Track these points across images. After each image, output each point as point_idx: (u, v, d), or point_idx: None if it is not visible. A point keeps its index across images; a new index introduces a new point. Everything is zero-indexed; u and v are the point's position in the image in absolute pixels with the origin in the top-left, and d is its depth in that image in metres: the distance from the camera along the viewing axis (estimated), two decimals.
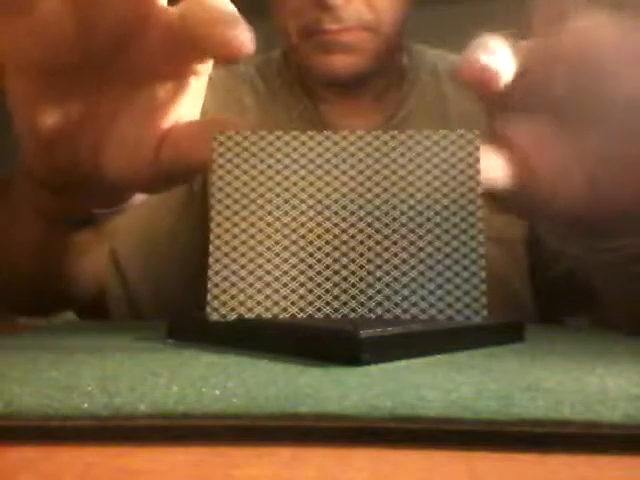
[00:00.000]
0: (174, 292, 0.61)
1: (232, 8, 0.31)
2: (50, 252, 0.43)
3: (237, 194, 0.31)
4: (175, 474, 0.18)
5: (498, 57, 0.31)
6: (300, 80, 0.66)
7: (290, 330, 0.29)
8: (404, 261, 0.29)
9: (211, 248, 0.31)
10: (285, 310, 0.29)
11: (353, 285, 0.28)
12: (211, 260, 0.30)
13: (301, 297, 0.29)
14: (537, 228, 0.41)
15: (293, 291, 0.29)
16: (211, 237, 0.31)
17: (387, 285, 0.28)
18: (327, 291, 0.29)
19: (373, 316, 0.28)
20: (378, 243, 0.29)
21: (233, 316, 0.29)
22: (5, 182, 0.43)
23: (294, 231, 0.30)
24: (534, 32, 0.36)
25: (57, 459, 0.19)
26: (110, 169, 0.35)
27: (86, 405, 0.21)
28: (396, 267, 0.29)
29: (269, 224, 0.30)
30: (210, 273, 0.30)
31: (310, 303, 0.29)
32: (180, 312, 0.36)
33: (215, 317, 0.29)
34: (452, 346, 0.30)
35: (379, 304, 0.28)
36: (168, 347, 0.31)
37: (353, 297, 0.28)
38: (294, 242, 0.29)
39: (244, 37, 0.30)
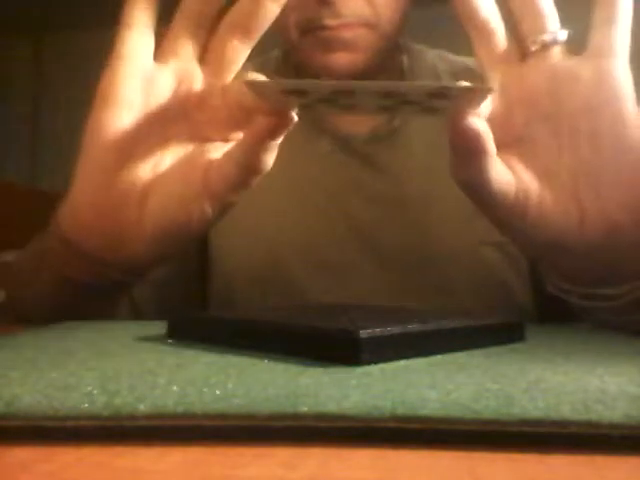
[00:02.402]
0: (174, 294, 0.61)
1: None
2: (74, 307, 0.44)
3: None
4: (175, 474, 0.18)
5: (483, 114, 0.34)
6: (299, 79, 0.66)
7: (290, 330, 0.29)
8: None
9: None
10: None
11: None
12: None
13: None
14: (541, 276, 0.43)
15: None
16: None
17: None
18: None
19: None
20: None
21: None
22: (40, 250, 0.45)
23: None
24: (490, 70, 0.38)
25: (57, 459, 0.19)
26: (154, 219, 0.38)
27: (86, 405, 0.21)
28: None
29: None
30: None
31: None
32: (180, 312, 0.37)
33: None
34: (452, 346, 0.30)
35: None
36: (168, 347, 0.31)
37: None
38: None
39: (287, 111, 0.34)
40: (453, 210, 0.61)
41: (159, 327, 0.35)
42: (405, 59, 0.67)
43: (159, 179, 0.38)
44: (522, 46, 0.38)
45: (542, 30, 0.37)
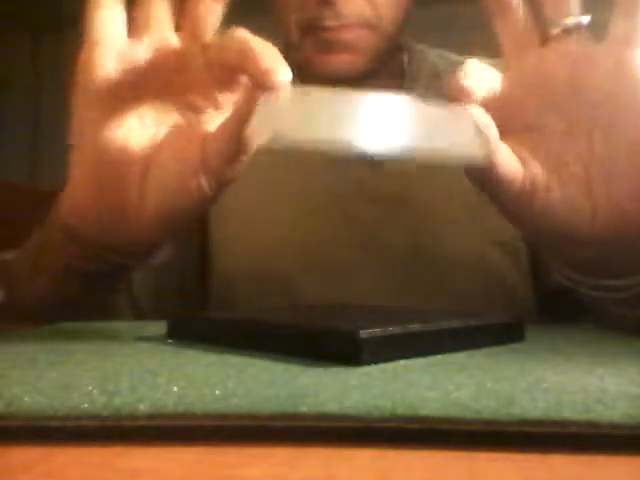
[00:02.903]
0: (173, 296, 0.61)
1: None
2: (74, 299, 0.44)
3: None
4: (175, 474, 0.18)
5: (475, 79, 0.35)
6: (300, 80, 0.66)
7: (290, 330, 0.29)
8: None
9: None
10: None
11: None
12: None
13: None
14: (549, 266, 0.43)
15: None
16: None
17: None
18: None
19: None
20: None
21: None
22: (39, 245, 0.45)
23: None
24: (507, 56, 0.38)
25: (57, 459, 0.19)
26: (155, 199, 0.37)
27: (86, 405, 0.21)
28: None
29: None
30: None
31: None
32: (180, 312, 0.36)
33: None
34: (452, 346, 0.30)
35: None
36: (168, 347, 0.31)
37: None
38: None
39: (276, 65, 0.34)
40: (455, 210, 0.61)
41: (159, 327, 0.35)
42: (406, 59, 0.67)
43: (155, 157, 0.37)
44: (544, 30, 0.38)
45: (565, 14, 0.37)
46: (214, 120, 0.38)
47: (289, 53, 0.68)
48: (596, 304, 0.41)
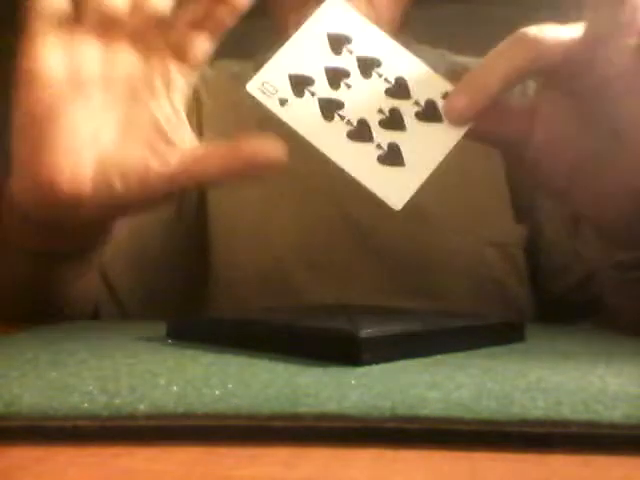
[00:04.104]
0: (164, 305, 0.61)
1: None
2: (38, 283, 0.44)
3: None
4: (175, 474, 0.18)
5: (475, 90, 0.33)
6: None
7: (290, 330, 0.29)
8: None
9: None
10: None
11: None
12: None
13: None
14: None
15: None
16: None
17: None
18: None
19: None
20: None
21: None
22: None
23: None
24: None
25: (57, 459, 0.19)
26: (104, 186, 0.36)
27: (86, 405, 0.21)
28: None
29: None
30: None
31: None
32: (180, 313, 0.36)
33: None
34: (452, 346, 0.30)
35: None
36: (168, 347, 0.31)
37: None
38: None
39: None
40: (454, 211, 0.61)
41: (159, 327, 0.35)
42: None
43: (106, 144, 0.37)
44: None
45: None
46: (162, 105, 0.38)
47: None
48: (611, 295, 0.40)
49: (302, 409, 0.20)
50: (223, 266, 0.63)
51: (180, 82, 0.38)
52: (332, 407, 0.20)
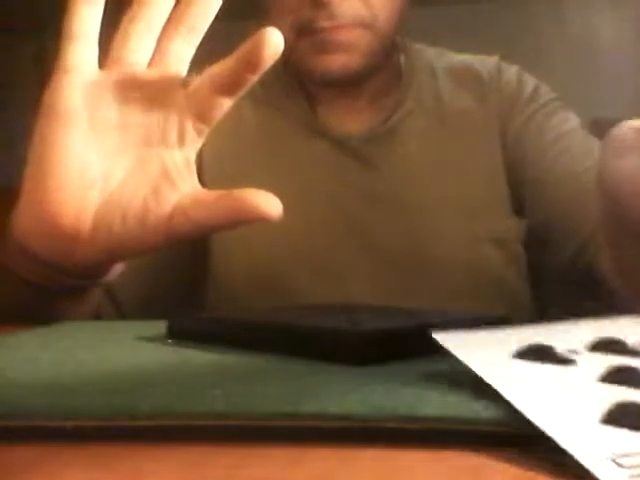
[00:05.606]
0: (163, 307, 0.61)
1: None
2: (40, 309, 0.44)
3: None
4: (175, 474, 0.18)
5: None
6: (298, 83, 0.66)
7: (290, 330, 0.29)
8: None
9: None
10: None
11: None
12: None
13: None
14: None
15: None
16: None
17: None
18: None
19: None
20: None
21: None
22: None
23: None
24: None
25: (57, 459, 0.19)
26: (106, 231, 0.37)
27: (86, 405, 0.21)
28: None
29: None
30: None
31: None
32: (180, 313, 0.36)
33: None
34: None
35: None
36: (168, 347, 0.31)
37: None
38: None
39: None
40: (451, 208, 0.61)
41: (159, 327, 0.35)
42: (402, 58, 0.67)
43: (112, 189, 0.37)
44: None
45: None
46: (174, 155, 0.38)
47: (285, 55, 0.68)
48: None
49: (302, 409, 0.20)
50: (222, 267, 0.63)
51: (194, 137, 0.38)
52: (332, 407, 0.20)
